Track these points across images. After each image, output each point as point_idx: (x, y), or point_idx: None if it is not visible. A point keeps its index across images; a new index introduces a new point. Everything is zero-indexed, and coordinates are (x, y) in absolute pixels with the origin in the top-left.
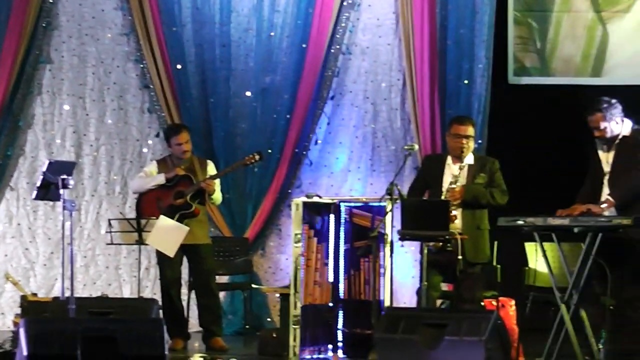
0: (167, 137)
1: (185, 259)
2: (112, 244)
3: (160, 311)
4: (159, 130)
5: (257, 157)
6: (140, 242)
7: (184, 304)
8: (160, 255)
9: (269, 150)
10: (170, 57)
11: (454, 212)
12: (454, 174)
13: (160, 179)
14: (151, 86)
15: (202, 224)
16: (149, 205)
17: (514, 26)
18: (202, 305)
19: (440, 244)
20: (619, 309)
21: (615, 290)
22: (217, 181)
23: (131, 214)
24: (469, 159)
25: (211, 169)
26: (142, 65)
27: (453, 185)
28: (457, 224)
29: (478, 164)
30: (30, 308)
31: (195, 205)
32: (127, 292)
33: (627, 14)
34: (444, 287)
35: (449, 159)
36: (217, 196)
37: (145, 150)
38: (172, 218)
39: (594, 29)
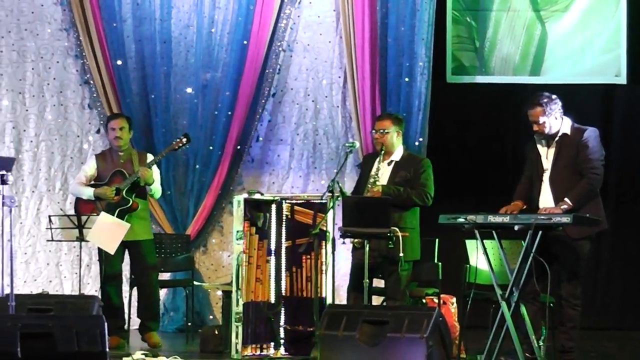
0: (105, 124)
1: (127, 256)
2: (52, 240)
3: (101, 308)
4: (99, 126)
5: (184, 140)
6: (81, 238)
7: (125, 300)
8: (101, 252)
9: (210, 147)
10: (111, 53)
11: None
12: (372, 173)
13: (89, 193)
14: (91, 82)
15: (143, 220)
16: (86, 205)
17: (453, 25)
18: (142, 301)
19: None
20: (557, 306)
21: (553, 287)
22: (157, 172)
23: (72, 210)
24: (397, 155)
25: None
26: (82, 61)
27: (370, 185)
28: None
29: (403, 162)
30: None
31: (132, 199)
32: (68, 289)
33: (566, 13)
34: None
35: (381, 157)
36: (157, 187)
37: (85, 146)
38: (112, 215)
39: (533, 27)
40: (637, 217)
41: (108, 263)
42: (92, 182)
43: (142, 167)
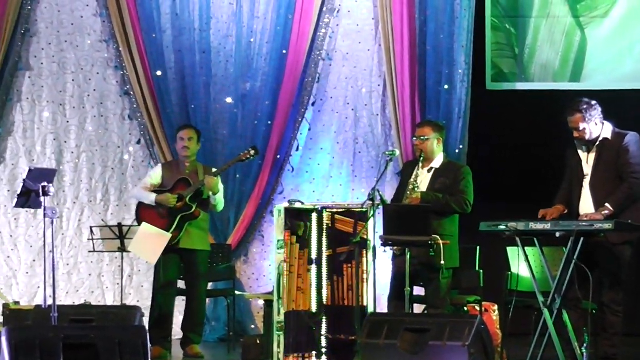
0: (175, 133)
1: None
2: (94, 251)
3: (144, 319)
4: (139, 137)
5: (252, 152)
6: (123, 249)
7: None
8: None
9: None
10: (150, 64)
11: None
12: (411, 180)
13: (151, 199)
14: (131, 93)
15: (202, 231)
16: (148, 210)
17: (492, 32)
18: (187, 310)
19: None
20: (599, 312)
21: (595, 294)
22: (221, 185)
23: (113, 221)
24: (437, 162)
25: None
26: (122, 72)
27: (409, 192)
28: None
29: (443, 169)
30: (12, 316)
31: (195, 207)
32: (110, 300)
33: (605, 19)
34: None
35: (420, 164)
36: (221, 198)
37: (126, 157)
38: (173, 221)
39: (572, 34)
40: None
41: (162, 271)
42: (156, 189)
43: (208, 175)
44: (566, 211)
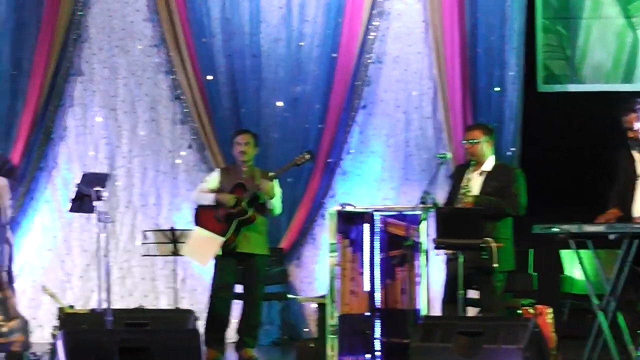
0: (232, 138)
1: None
2: (147, 255)
3: (198, 322)
4: (190, 141)
5: (307, 156)
6: (176, 253)
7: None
8: (216, 261)
9: None
10: (201, 68)
11: None
12: (463, 184)
13: (210, 198)
14: (182, 97)
15: (261, 235)
16: (206, 214)
17: (543, 34)
18: (244, 314)
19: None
20: None
21: None
22: (278, 189)
23: (165, 225)
24: (488, 165)
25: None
26: (173, 77)
27: (461, 196)
28: None
29: (495, 172)
30: (68, 320)
31: (251, 211)
32: (163, 304)
33: None
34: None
35: (471, 167)
36: (277, 202)
37: (178, 161)
38: (230, 226)
39: (624, 35)
40: None
41: (219, 274)
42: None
43: (264, 179)
44: (622, 214)
